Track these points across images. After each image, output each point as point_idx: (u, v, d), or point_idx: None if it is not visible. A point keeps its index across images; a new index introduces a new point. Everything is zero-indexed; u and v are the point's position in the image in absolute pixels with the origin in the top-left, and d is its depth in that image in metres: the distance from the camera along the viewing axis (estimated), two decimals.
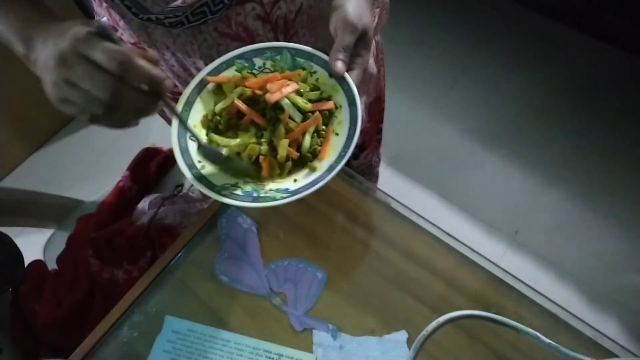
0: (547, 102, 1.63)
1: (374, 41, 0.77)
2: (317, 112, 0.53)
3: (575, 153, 1.52)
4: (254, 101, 0.55)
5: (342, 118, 0.53)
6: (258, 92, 0.55)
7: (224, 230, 0.67)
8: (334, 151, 0.52)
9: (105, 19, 0.43)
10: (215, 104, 0.56)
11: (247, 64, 0.57)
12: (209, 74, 0.57)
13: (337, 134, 0.53)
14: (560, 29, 1.70)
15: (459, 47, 1.78)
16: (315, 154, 0.53)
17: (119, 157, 1.31)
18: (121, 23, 0.61)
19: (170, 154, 1.14)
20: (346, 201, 0.67)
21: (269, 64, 0.57)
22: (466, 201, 1.48)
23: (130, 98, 0.43)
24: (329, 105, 0.54)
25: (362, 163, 1.02)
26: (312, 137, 0.53)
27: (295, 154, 0.53)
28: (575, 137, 1.55)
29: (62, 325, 0.90)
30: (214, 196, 0.50)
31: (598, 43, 1.64)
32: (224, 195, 0.50)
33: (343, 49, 0.51)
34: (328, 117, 0.54)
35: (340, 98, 0.54)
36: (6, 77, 1.60)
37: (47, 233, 1.13)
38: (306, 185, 0.50)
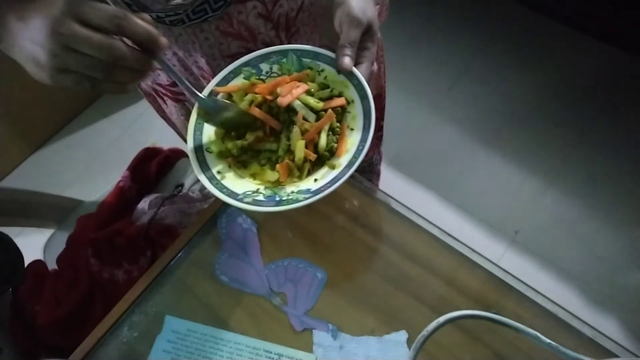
0: (547, 102, 1.63)
1: None
2: (330, 110, 0.53)
3: (575, 153, 1.52)
4: (266, 107, 0.55)
5: (356, 112, 0.53)
6: (268, 97, 0.55)
7: (224, 230, 0.67)
8: (351, 146, 0.52)
9: None
10: None
11: (254, 71, 0.58)
12: (218, 84, 0.57)
13: (352, 129, 0.53)
14: (561, 29, 1.70)
15: (460, 47, 1.78)
16: (332, 152, 0.53)
17: (119, 157, 1.30)
18: None
19: (170, 154, 1.14)
20: (346, 201, 0.67)
21: (275, 67, 0.57)
22: (466, 201, 1.48)
23: (128, 57, 0.42)
24: (341, 101, 0.54)
25: (362, 161, 1.01)
26: (328, 135, 0.53)
27: (312, 156, 0.52)
28: (575, 137, 1.55)
29: (62, 325, 0.90)
30: (238, 204, 0.50)
31: (598, 43, 1.64)
32: (247, 203, 0.50)
33: (349, 44, 0.51)
34: (341, 113, 0.54)
35: (351, 93, 0.54)
36: (6, 77, 1.60)
37: (47, 233, 1.13)
38: (327, 183, 0.50)
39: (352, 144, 0.52)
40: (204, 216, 0.68)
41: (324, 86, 0.56)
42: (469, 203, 1.47)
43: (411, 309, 0.58)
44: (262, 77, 0.58)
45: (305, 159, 0.53)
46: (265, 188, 0.53)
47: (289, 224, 0.66)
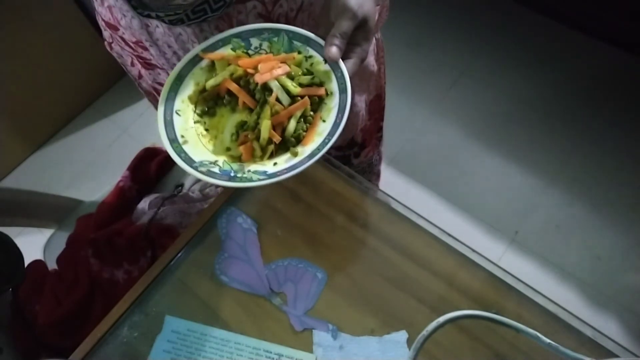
0: (547, 102, 1.63)
1: (374, 38, 0.77)
2: (306, 97, 0.52)
3: (575, 153, 1.52)
4: (245, 82, 0.54)
5: (332, 105, 0.52)
6: (250, 71, 0.54)
7: (224, 230, 0.67)
8: (318, 137, 0.51)
9: None
10: (207, 81, 0.56)
11: (243, 43, 0.56)
12: (205, 50, 0.56)
13: (324, 121, 0.52)
14: (561, 29, 1.69)
15: (460, 47, 1.78)
16: (299, 139, 0.52)
17: (119, 157, 1.31)
18: (122, 22, 0.61)
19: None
20: (346, 201, 0.67)
21: (265, 45, 0.56)
22: (466, 201, 1.48)
23: None
24: (320, 91, 0.53)
25: (362, 161, 1.02)
26: (298, 122, 0.52)
27: (277, 138, 0.51)
28: (575, 137, 1.55)
29: (62, 325, 0.90)
30: (191, 171, 0.49)
31: (598, 43, 1.64)
32: (201, 172, 0.50)
33: (340, 34, 0.50)
34: (317, 103, 0.53)
35: (332, 85, 0.52)
36: (6, 77, 1.61)
37: (47, 233, 1.13)
38: (285, 169, 0.49)
39: (320, 135, 0.51)
40: (204, 216, 0.68)
41: (307, 72, 0.55)
42: (469, 203, 1.47)
43: (411, 309, 0.58)
44: (249, 51, 0.57)
45: (270, 141, 0.52)
46: (224, 162, 0.52)
47: (289, 224, 0.66)
